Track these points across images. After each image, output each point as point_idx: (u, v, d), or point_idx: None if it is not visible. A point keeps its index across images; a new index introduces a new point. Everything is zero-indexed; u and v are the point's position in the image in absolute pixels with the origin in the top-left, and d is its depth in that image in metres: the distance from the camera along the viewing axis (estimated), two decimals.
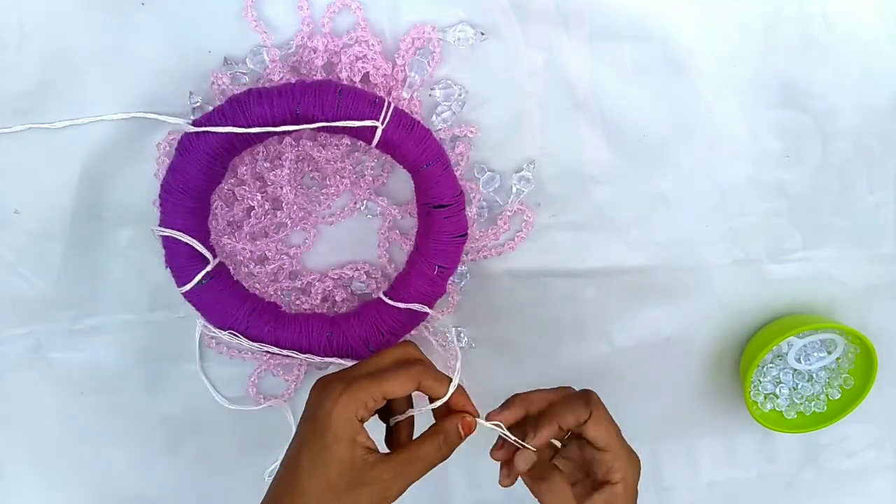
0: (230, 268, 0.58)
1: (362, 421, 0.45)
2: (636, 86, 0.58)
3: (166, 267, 0.56)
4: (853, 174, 0.61)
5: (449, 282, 0.59)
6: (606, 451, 0.49)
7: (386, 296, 0.57)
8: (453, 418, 0.48)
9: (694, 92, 0.58)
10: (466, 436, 0.48)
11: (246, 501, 0.66)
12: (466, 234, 0.57)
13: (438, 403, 0.48)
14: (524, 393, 0.52)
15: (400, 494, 0.45)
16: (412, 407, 0.50)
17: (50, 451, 0.64)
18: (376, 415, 0.48)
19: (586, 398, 0.50)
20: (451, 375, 0.48)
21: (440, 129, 0.57)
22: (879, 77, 0.59)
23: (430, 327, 0.62)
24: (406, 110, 0.55)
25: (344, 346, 0.57)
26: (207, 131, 0.51)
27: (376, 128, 0.52)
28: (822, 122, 0.60)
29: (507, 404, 0.51)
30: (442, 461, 0.47)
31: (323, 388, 0.45)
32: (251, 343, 0.56)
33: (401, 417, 0.49)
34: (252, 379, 0.63)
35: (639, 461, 0.51)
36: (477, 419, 0.49)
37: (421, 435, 0.48)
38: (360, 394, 0.44)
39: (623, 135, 0.59)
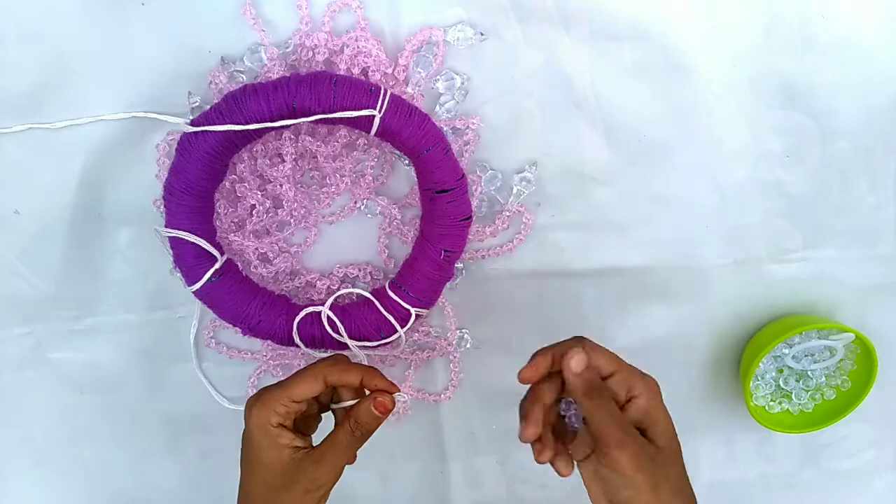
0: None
1: (282, 425, 0.48)
2: (636, 86, 0.58)
3: (174, 267, 0.56)
4: (853, 174, 0.61)
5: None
6: (616, 374, 0.48)
7: (394, 283, 0.57)
8: (365, 401, 0.49)
9: (694, 92, 0.58)
10: (384, 414, 0.49)
11: None
12: (471, 216, 0.56)
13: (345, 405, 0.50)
14: (543, 348, 0.51)
15: (332, 481, 0.48)
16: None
17: (50, 451, 0.64)
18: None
19: (578, 339, 0.50)
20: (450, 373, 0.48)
21: (443, 120, 0.57)
22: (879, 77, 0.59)
23: (434, 329, 0.62)
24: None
25: (356, 334, 0.57)
26: (206, 130, 0.51)
27: (374, 116, 0.52)
28: (822, 122, 0.60)
29: (532, 358, 0.51)
30: (360, 443, 0.49)
31: (245, 404, 0.50)
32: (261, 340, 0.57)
33: (336, 406, 0.51)
34: (252, 379, 0.63)
35: (654, 381, 0.48)
36: (397, 395, 0.50)
37: (337, 423, 0.50)
38: (270, 403, 0.48)
39: (623, 135, 0.59)
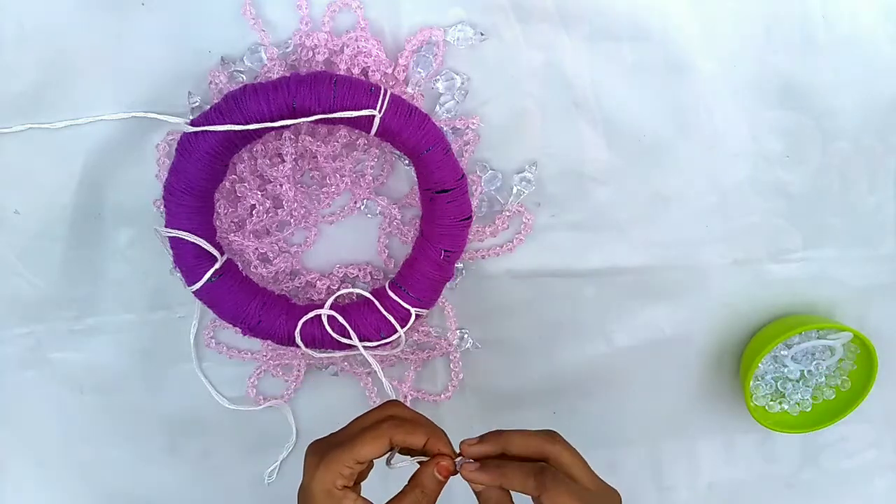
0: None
1: (347, 486, 0.46)
2: (636, 86, 0.58)
3: (174, 267, 0.56)
4: (853, 174, 0.61)
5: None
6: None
7: (394, 283, 0.57)
8: (427, 466, 0.48)
9: (694, 92, 0.58)
10: (446, 478, 0.48)
11: (246, 502, 0.67)
12: (471, 216, 0.56)
13: (404, 461, 0.49)
14: (506, 431, 0.49)
15: None
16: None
17: (50, 451, 0.64)
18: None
19: (541, 477, 0.46)
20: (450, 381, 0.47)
21: (443, 120, 0.57)
22: (879, 77, 0.59)
23: (434, 329, 0.62)
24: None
25: (356, 334, 0.57)
26: (206, 130, 0.51)
27: (374, 116, 0.52)
28: (822, 122, 0.60)
29: (483, 438, 0.49)
30: None
31: (306, 460, 0.47)
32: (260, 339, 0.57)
33: (399, 465, 0.49)
34: (252, 379, 0.63)
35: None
36: (457, 460, 0.48)
37: (403, 489, 0.48)
38: (334, 465, 0.46)
39: (623, 135, 0.59)
